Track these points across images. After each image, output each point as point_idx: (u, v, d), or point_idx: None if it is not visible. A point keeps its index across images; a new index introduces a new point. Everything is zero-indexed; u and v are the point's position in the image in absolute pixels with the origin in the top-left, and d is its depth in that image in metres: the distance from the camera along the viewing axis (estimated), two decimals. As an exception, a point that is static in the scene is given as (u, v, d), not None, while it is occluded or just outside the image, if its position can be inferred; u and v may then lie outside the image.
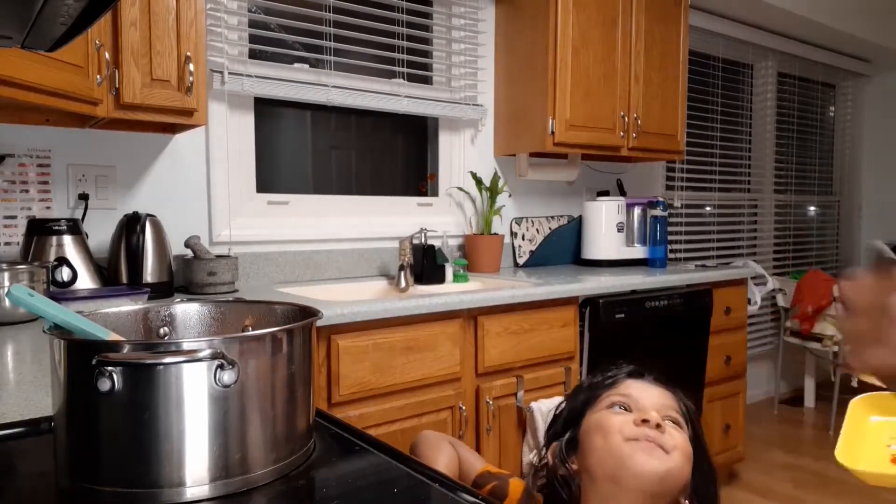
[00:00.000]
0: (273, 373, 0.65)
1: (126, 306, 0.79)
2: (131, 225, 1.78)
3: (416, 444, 1.00)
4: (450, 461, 0.92)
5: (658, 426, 0.81)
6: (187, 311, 0.82)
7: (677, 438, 0.82)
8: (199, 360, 0.59)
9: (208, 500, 0.60)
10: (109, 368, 0.57)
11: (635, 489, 0.79)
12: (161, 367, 0.59)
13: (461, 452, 0.94)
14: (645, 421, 0.81)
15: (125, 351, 0.60)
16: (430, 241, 2.36)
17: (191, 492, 0.60)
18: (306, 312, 0.77)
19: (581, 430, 0.87)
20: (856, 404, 0.70)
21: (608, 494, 0.81)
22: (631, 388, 0.88)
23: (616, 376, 0.90)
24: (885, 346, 0.61)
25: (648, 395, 0.87)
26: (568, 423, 0.90)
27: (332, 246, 2.32)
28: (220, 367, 0.60)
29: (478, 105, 2.67)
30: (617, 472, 0.80)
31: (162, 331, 0.80)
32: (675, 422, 0.86)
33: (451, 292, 1.96)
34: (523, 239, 2.82)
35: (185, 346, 0.59)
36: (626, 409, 0.85)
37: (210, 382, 0.60)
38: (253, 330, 0.78)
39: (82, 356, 0.60)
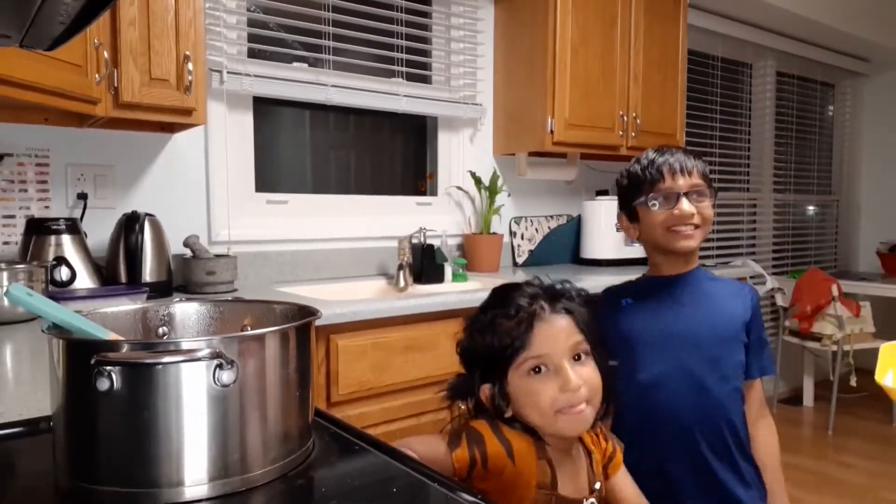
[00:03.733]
0: (272, 372, 0.65)
1: (125, 306, 0.79)
2: (130, 224, 1.77)
3: None
4: None
5: (578, 388, 0.92)
6: (186, 311, 0.82)
7: (591, 379, 0.94)
8: (198, 359, 0.59)
9: (207, 499, 0.60)
10: (108, 368, 0.57)
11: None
12: (160, 366, 0.58)
13: (416, 448, 0.94)
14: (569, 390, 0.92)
15: (124, 350, 0.60)
16: (429, 241, 2.36)
17: (189, 491, 0.60)
18: (305, 312, 0.76)
19: (508, 387, 0.95)
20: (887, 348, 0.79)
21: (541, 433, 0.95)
22: (543, 344, 0.93)
23: (526, 327, 0.94)
24: None
25: (557, 340, 0.94)
26: (488, 367, 0.96)
27: (331, 245, 2.32)
28: (219, 366, 0.59)
29: (477, 104, 2.67)
30: (550, 432, 0.94)
31: (161, 330, 0.80)
32: (584, 352, 0.95)
33: (451, 292, 1.96)
34: (522, 238, 2.82)
35: (184, 345, 0.59)
36: (544, 370, 0.93)
37: (209, 382, 0.60)
38: (252, 329, 0.78)
39: (81, 356, 0.60)
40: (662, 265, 1.31)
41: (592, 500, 0.97)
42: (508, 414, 0.95)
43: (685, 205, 1.22)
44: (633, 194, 1.28)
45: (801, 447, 3.34)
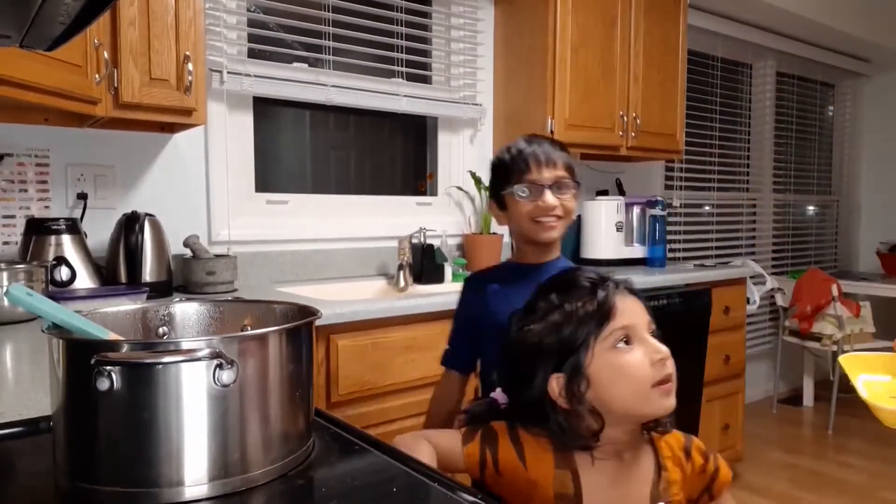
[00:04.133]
0: (272, 372, 0.65)
1: (125, 306, 0.79)
2: (130, 224, 1.77)
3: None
4: (430, 458, 0.92)
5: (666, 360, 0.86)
6: (186, 311, 0.82)
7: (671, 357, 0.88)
8: (198, 359, 0.59)
9: (207, 499, 0.60)
10: (108, 368, 0.57)
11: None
12: (160, 366, 0.59)
13: (435, 441, 0.94)
14: (661, 359, 0.86)
15: (124, 350, 0.60)
16: (429, 241, 2.36)
17: (189, 491, 0.60)
18: (305, 312, 0.77)
19: (590, 366, 0.87)
20: (846, 360, 0.77)
21: (614, 421, 0.87)
22: (626, 315, 0.88)
23: (605, 299, 0.89)
24: None
25: (636, 314, 0.89)
26: (563, 355, 0.89)
27: (331, 245, 2.32)
28: (219, 366, 0.59)
29: (477, 104, 2.67)
30: (641, 412, 0.87)
31: (161, 330, 0.80)
32: (656, 334, 0.91)
33: (451, 292, 1.95)
34: (522, 238, 2.81)
35: (184, 345, 0.59)
36: (632, 343, 0.87)
37: (209, 382, 0.60)
38: (252, 329, 0.78)
39: (81, 355, 0.60)
40: (527, 253, 1.33)
41: None
42: (588, 405, 0.87)
43: (549, 197, 1.23)
44: (501, 183, 1.29)
45: (801, 447, 3.34)
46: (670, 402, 0.86)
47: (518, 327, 0.95)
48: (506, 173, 1.28)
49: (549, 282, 0.98)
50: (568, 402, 0.87)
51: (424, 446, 0.92)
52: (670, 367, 0.86)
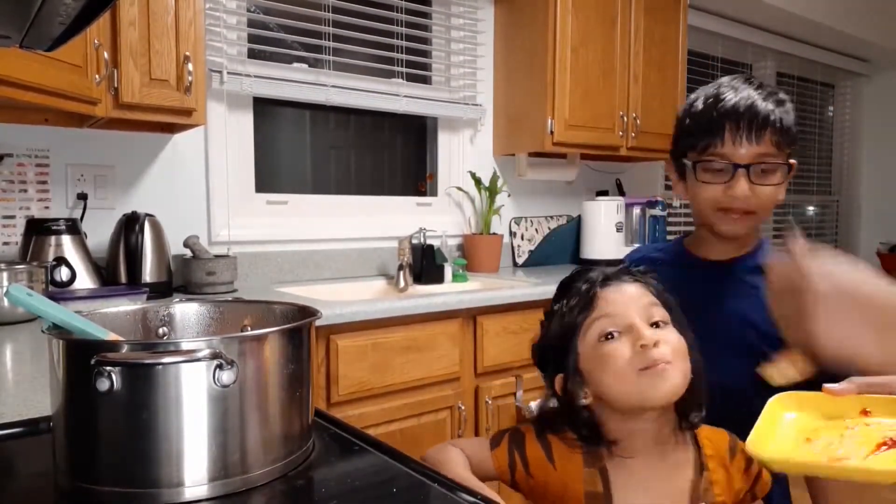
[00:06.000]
0: (272, 373, 0.65)
1: (125, 306, 0.79)
2: (130, 225, 1.77)
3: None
4: (464, 465, 0.92)
5: (655, 344, 0.81)
6: (186, 311, 0.82)
7: (670, 339, 0.83)
8: (198, 359, 0.59)
9: (207, 500, 0.60)
10: (108, 368, 0.57)
11: (658, 406, 0.83)
12: (160, 366, 0.58)
13: (464, 447, 0.94)
14: (643, 346, 0.81)
15: (124, 351, 0.60)
16: (429, 241, 2.36)
17: (189, 492, 0.60)
18: (305, 312, 0.76)
19: (580, 364, 0.86)
20: (773, 403, 0.74)
21: (630, 415, 0.84)
22: (609, 305, 0.85)
23: (589, 292, 0.86)
24: (809, 324, 0.64)
25: (626, 303, 0.85)
26: (560, 354, 0.88)
27: (331, 246, 2.32)
28: (219, 366, 0.59)
29: (477, 105, 2.67)
30: (639, 403, 0.82)
31: (161, 331, 0.80)
32: (661, 319, 0.85)
33: (450, 292, 1.96)
34: (522, 239, 2.82)
35: (184, 345, 0.59)
36: (616, 335, 0.83)
37: (209, 382, 0.60)
38: (252, 330, 0.78)
39: (81, 356, 0.60)
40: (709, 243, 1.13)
41: None
42: (587, 399, 0.85)
43: (742, 183, 0.99)
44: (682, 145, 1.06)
45: (801, 447, 3.33)
46: (663, 387, 0.80)
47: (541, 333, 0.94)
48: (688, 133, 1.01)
49: (559, 285, 0.95)
50: (571, 400, 0.86)
51: (455, 454, 0.91)
52: (657, 354, 0.81)
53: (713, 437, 0.91)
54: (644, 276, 0.91)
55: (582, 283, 0.89)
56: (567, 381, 0.87)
